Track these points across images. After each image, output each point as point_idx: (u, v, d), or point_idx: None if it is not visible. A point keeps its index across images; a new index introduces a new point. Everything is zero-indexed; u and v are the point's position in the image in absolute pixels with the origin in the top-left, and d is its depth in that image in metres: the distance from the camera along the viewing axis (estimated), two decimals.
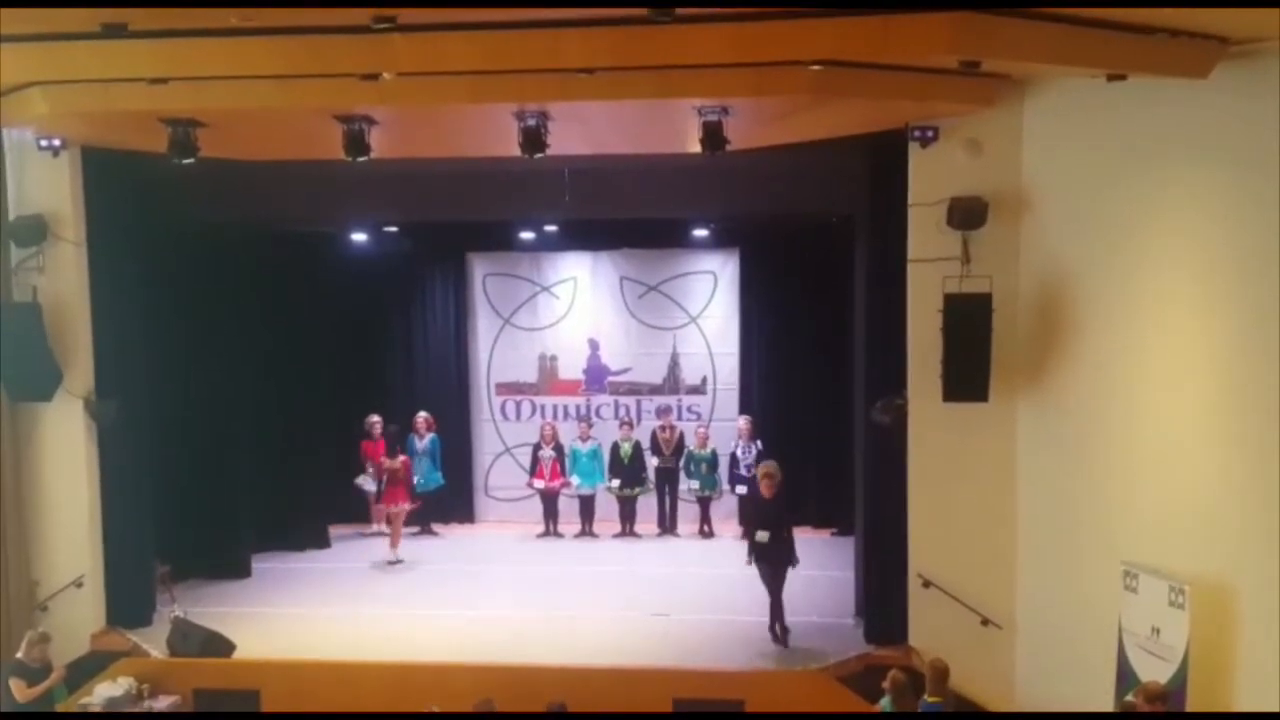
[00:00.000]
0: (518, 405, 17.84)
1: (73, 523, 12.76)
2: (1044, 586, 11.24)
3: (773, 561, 12.64)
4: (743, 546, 15.98)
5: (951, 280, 11.03)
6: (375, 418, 16.82)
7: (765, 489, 12.85)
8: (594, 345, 17.59)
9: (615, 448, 16.81)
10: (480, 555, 16.15)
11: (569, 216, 14.54)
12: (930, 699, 9.55)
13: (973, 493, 11.63)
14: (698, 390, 17.50)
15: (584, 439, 16.94)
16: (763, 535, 12.61)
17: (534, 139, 10.43)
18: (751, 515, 13.11)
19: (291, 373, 16.25)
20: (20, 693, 10.56)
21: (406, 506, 16.03)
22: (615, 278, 17.47)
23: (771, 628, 12.60)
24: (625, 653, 12.18)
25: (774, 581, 12.61)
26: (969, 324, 10.83)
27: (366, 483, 16.83)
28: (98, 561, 12.90)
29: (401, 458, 16.22)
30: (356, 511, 17.19)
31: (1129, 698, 9.17)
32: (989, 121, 11.11)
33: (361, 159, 10.67)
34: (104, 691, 11.36)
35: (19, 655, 10.77)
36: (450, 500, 17.39)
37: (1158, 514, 9.53)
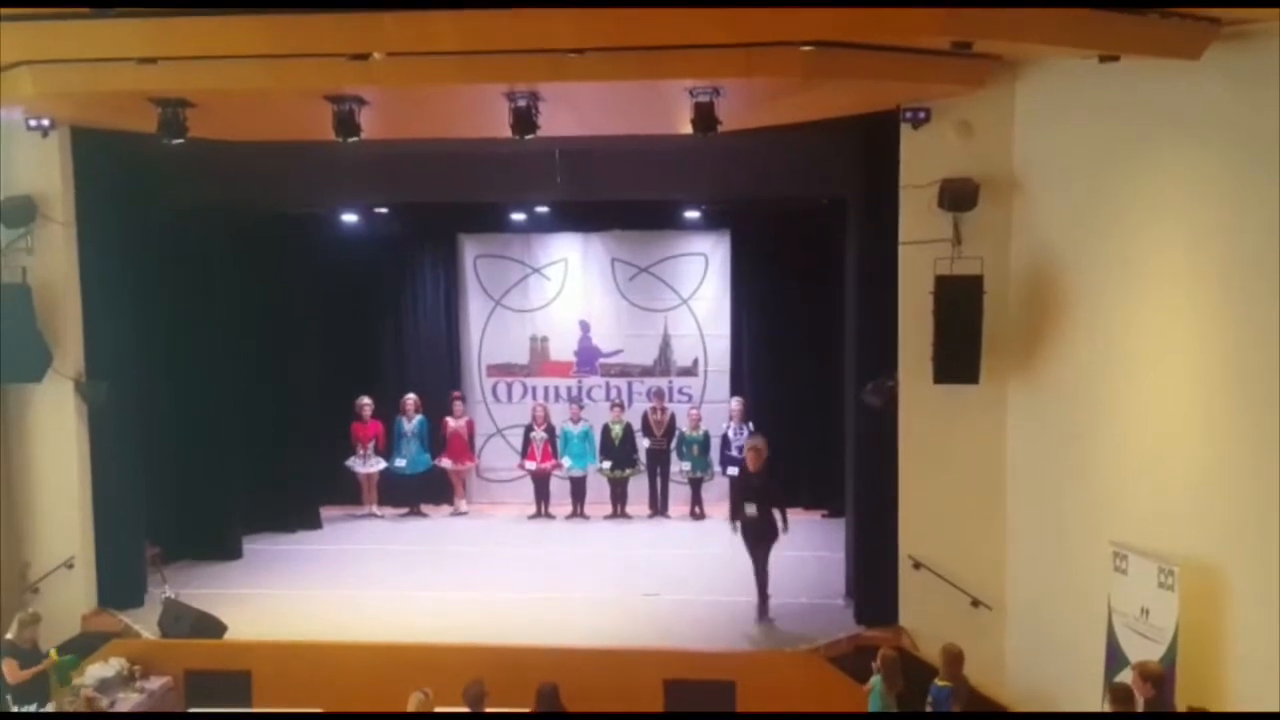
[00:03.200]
0: (509, 387, 17.83)
1: (63, 504, 12.75)
2: (1034, 568, 11.27)
3: (756, 536, 12.71)
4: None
5: (943, 262, 11.03)
6: (366, 399, 16.84)
7: (751, 462, 12.93)
8: (585, 327, 17.58)
9: (606, 429, 16.82)
10: (471, 537, 16.17)
11: (560, 198, 14.50)
12: (940, 683, 9.61)
13: (963, 474, 11.65)
14: (689, 372, 17.50)
15: (575, 421, 16.95)
16: (750, 509, 12.67)
17: (525, 120, 10.39)
18: (739, 488, 13.18)
19: (282, 354, 16.24)
20: (12, 674, 10.56)
21: (469, 465, 17.21)
22: (606, 259, 17.44)
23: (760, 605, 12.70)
24: (616, 634, 12.21)
25: (758, 556, 12.71)
26: (960, 306, 10.83)
27: (357, 464, 16.88)
28: (88, 542, 12.89)
29: (466, 418, 17.01)
30: (347, 493, 17.21)
31: (1118, 680, 9.23)
32: (981, 103, 11.09)
33: (352, 140, 10.61)
34: (96, 672, 11.38)
35: (9, 636, 10.77)
36: (440, 482, 17.38)
37: (1147, 495, 9.55)
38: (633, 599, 13.29)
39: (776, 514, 12.78)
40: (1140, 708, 8.59)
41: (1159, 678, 8.54)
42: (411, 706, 9.48)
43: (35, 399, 12.66)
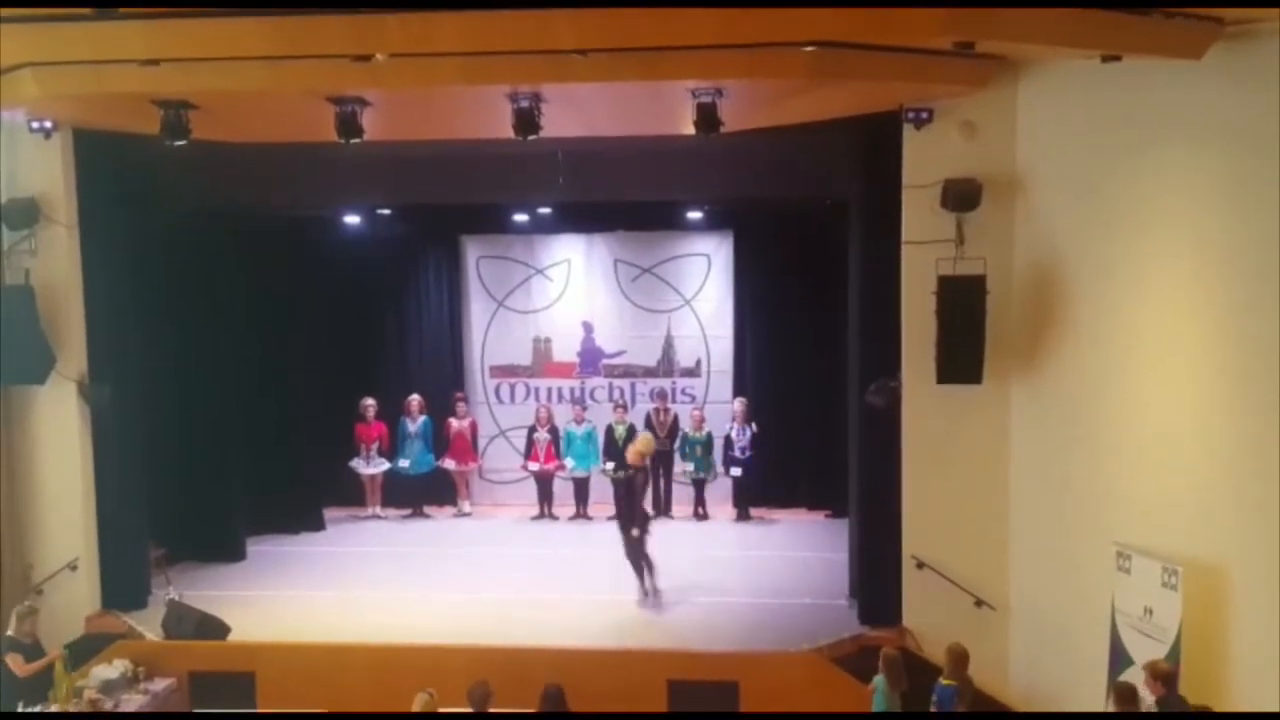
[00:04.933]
0: (512, 388, 17.84)
1: (67, 505, 12.76)
2: (1037, 567, 11.27)
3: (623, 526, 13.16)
4: (735, 529, 16.15)
5: (945, 262, 11.03)
6: (369, 400, 16.86)
7: (629, 456, 13.57)
8: (588, 328, 17.58)
9: (609, 430, 16.80)
10: (474, 538, 16.17)
11: (563, 199, 14.49)
12: (945, 682, 9.62)
13: (966, 474, 11.66)
14: (692, 373, 17.50)
15: (578, 421, 16.95)
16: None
17: (527, 121, 10.39)
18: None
19: (285, 355, 16.26)
20: (19, 668, 10.60)
21: (473, 466, 17.16)
22: (609, 260, 17.45)
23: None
24: (619, 634, 12.22)
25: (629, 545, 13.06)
26: (963, 306, 10.84)
27: (360, 465, 16.89)
28: (92, 544, 12.90)
29: (469, 419, 17.00)
30: (351, 494, 17.21)
31: (1121, 679, 9.22)
32: (983, 103, 11.10)
33: (354, 141, 10.62)
34: (100, 674, 11.36)
35: (9, 632, 10.81)
36: (443, 483, 17.38)
37: (1150, 495, 9.55)
38: (635, 599, 13.26)
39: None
40: (1152, 707, 8.58)
41: (1169, 676, 8.52)
42: (416, 707, 9.49)
43: (38, 401, 12.67)
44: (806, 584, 13.56)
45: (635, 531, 13.07)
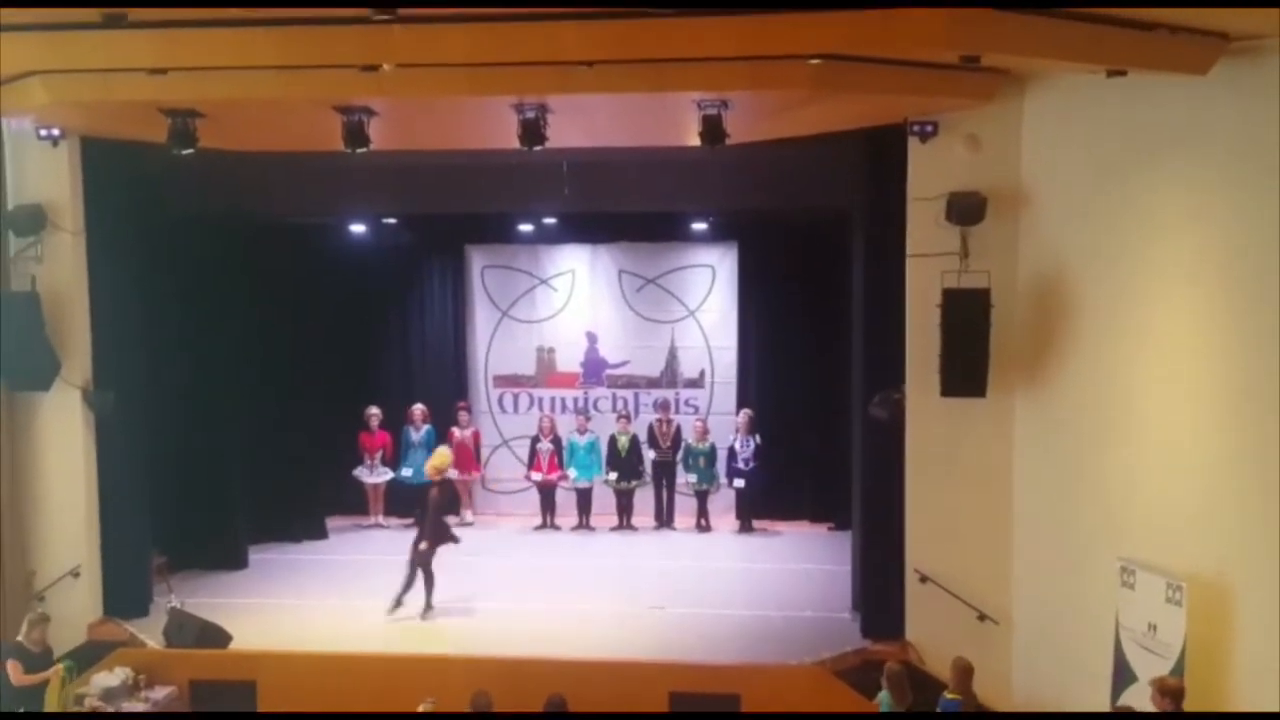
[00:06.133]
0: (515, 398, 17.85)
1: (70, 512, 12.77)
2: (1041, 582, 11.25)
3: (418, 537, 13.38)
4: (738, 540, 16.09)
5: (950, 275, 11.03)
6: (373, 409, 16.87)
7: (428, 471, 14.03)
8: (592, 338, 17.58)
9: (613, 441, 16.80)
10: (477, 547, 16.09)
11: (568, 209, 14.54)
12: (949, 695, 9.60)
13: (970, 488, 11.63)
14: (695, 384, 17.50)
15: (581, 432, 16.95)
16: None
17: (533, 131, 10.41)
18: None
19: (289, 364, 16.25)
20: (16, 676, 10.56)
21: (475, 475, 17.24)
22: (613, 271, 17.46)
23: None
24: (622, 646, 12.18)
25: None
26: (967, 319, 10.83)
27: (364, 474, 16.89)
28: (94, 551, 12.91)
29: (472, 429, 17.01)
30: (354, 503, 17.21)
31: (1124, 698, 9.20)
32: (988, 117, 11.10)
33: (361, 150, 10.66)
34: (101, 681, 11.37)
35: (19, 638, 10.79)
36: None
37: (1155, 510, 9.53)
38: (638, 611, 13.26)
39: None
40: None
41: (1177, 692, 8.44)
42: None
43: (43, 407, 12.69)
44: (809, 597, 13.54)
45: (424, 545, 13.23)
